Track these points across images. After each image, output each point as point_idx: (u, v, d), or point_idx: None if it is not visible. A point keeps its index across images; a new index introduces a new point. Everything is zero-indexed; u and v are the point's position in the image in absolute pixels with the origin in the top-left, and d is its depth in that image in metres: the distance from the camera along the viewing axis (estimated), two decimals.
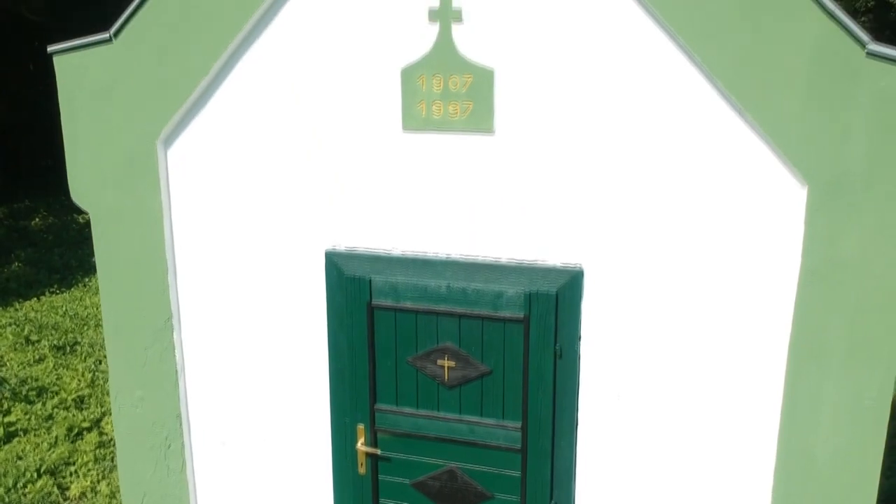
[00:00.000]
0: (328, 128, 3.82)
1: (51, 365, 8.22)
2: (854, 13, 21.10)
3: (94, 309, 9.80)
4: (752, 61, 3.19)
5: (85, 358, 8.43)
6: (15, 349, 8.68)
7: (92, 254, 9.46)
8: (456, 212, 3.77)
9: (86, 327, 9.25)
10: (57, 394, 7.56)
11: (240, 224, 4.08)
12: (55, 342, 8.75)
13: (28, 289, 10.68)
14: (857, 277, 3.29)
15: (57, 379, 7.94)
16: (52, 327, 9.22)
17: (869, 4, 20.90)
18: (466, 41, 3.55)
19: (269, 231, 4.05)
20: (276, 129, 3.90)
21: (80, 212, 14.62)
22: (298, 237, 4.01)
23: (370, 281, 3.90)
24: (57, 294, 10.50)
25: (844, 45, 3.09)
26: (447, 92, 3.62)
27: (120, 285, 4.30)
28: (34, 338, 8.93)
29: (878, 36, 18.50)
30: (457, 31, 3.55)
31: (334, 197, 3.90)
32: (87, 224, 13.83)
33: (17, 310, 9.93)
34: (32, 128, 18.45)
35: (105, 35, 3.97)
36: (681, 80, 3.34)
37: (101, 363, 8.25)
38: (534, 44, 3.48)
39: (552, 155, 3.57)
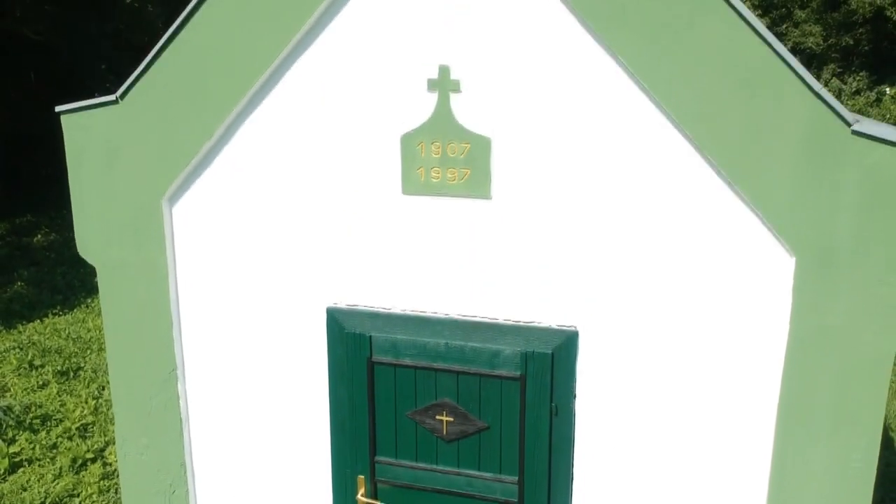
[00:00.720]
0: (331, 189, 3.92)
1: (54, 391, 8.32)
2: (851, 26, 21.27)
3: (97, 332, 9.90)
4: (743, 138, 3.28)
5: (88, 384, 8.53)
6: (19, 374, 8.78)
7: (93, 273, 9.59)
8: (454, 272, 3.86)
9: (89, 351, 9.35)
10: (61, 422, 7.66)
11: (244, 279, 4.18)
12: (59, 367, 8.85)
13: (31, 310, 10.78)
14: (843, 345, 3.39)
15: (61, 405, 8.04)
16: (56, 351, 9.32)
17: (867, 16, 21.03)
18: (464, 110, 3.65)
19: (272, 287, 4.14)
20: (280, 189, 4.00)
21: None
22: (301, 293, 4.10)
23: (370, 337, 3.99)
24: (60, 315, 10.59)
25: (831, 124, 3.19)
26: (446, 158, 3.72)
27: (126, 337, 4.40)
28: (38, 362, 9.03)
29: (877, 46, 18.62)
30: (455, 100, 3.65)
31: (336, 255, 4.00)
32: None
33: (20, 332, 10.03)
34: (32, 139, 18.57)
35: (112, 97, 4.06)
36: (673, 152, 3.44)
37: (104, 389, 8.35)
38: (530, 114, 3.57)
39: (548, 220, 3.67)
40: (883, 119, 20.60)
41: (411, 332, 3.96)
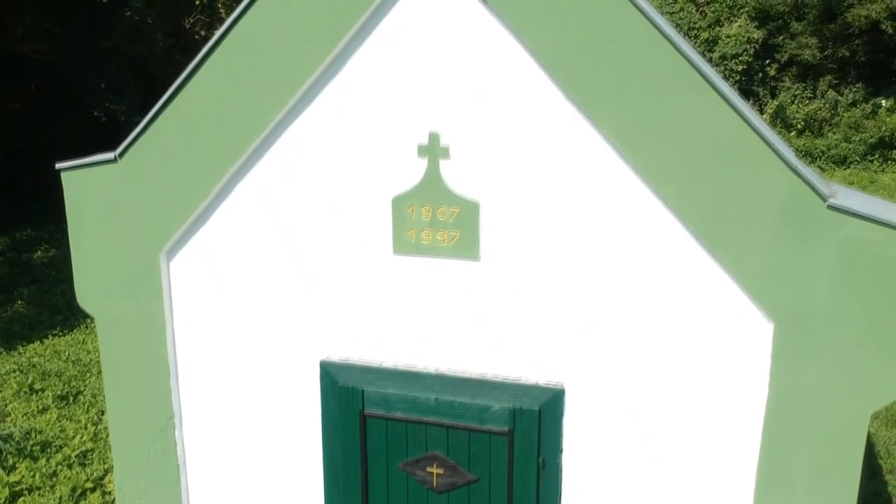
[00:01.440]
0: (325, 247, 4.02)
1: (54, 416, 8.42)
2: (847, 38, 21.37)
3: (96, 354, 9.99)
4: (723, 209, 3.39)
5: (88, 408, 8.63)
6: (19, 397, 8.89)
7: None
8: (444, 329, 3.96)
9: (88, 374, 9.45)
10: (61, 449, 7.76)
11: (240, 332, 4.28)
12: (59, 391, 8.95)
13: (31, 331, 10.88)
14: (820, 407, 3.49)
15: (60, 431, 8.14)
16: (56, 374, 9.42)
17: (863, 26, 21.13)
18: (454, 175, 3.76)
19: (267, 340, 4.25)
20: (275, 245, 4.10)
21: None
22: (295, 347, 4.20)
23: (363, 391, 4.10)
24: (59, 336, 10.70)
25: (808, 198, 3.30)
26: (435, 221, 3.82)
27: (124, 385, 4.50)
28: (38, 386, 9.13)
29: (873, 58, 18.77)
30: (444, 166, 3.76)
31: (330, 310, 4.10)
32: None
33: (20, 353, 10.14)
34: (31, 148, 18.66)
35: (110, 156, 4.16)
36: (656, 220, 3.54)
37: (103, 414, 8.44)
38: (517, 180, 3.68)
39: (535, 281, 3.77)
40: (879, 131, 20.73)
41: (402, 386, 4.06)
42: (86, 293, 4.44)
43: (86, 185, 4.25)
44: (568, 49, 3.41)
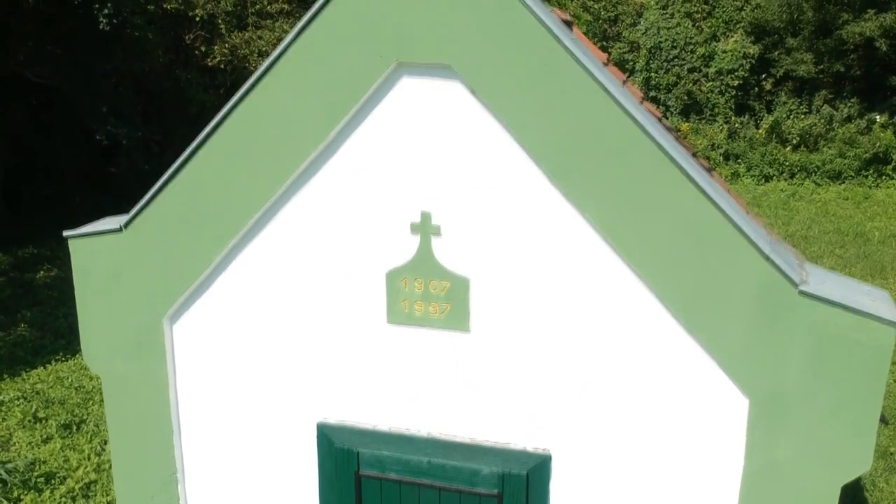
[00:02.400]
0: (322, 315, 4.19)
1: (58, 446, 8.59)
2: (843, 54, 21.54)
3: (98, 381, 10.15)
4: (701, 293, 3.56)
5: (91, 438, 8.80)
6: (23, 427, 9.05)
7: None
8: (436, 395, 4.14)
9: (91, 402, 9.62)
10: (64, 480, 7.93)
11: (240, 393, 4.45)
12: (62, 420, 9.12)
13: (34, 355, 11.04)
14: (792, 479, 3.66)
15: (64, 461, 8.30)
16: (59, 402, 9.59)
17: (858, 42, 21.29)
18: (445, 252, 3.93)
19: (266, 401, 4.42)
20: (274, 313, 4.27)
21: None
22: (293, 409, 4.38)
23: (358, 453, 4.27)
24: (62, 361, 10.86)
25: (780, 285, 3.47)
26: (428, 294, 3.99)
27: (129, 441, 4.67)
28: (42, 415, 9.30)
29: (868, 72, 18.90)
30: (436, 242, 3.93)
31: (327, 375, 4.27)
32: None
33: (24, 380, 10.30)
34: (33, 161, 18.82)
35: (116, 226, 4.34)
36: (638, 300, 3.72)
37: (106, 443, 8.61)
38: (505, 257, 3.85)
39: (522, 353, 3.95)
40: (873, 147, 20.89)
41: (396, 448, 4.23)
42: (92, 354, 4.61)
43: (92, 253, 4.43)
44: (552, 140, 3.59)
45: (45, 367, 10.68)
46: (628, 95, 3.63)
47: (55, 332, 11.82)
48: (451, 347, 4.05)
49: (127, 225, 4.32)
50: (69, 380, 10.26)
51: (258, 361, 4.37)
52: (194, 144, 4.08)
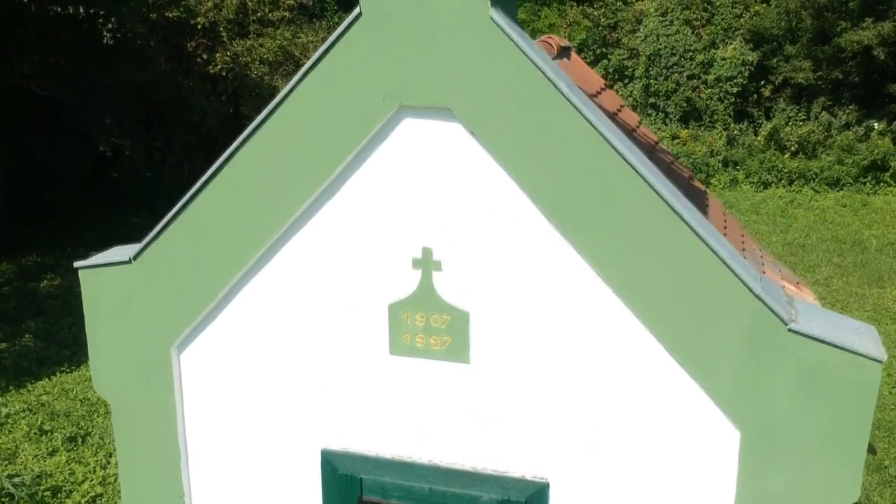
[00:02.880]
0: (326, 346, 4.31)
1: (64, 459, 8.72)
2: (841, 61, 21.65)
3: None
4: (694, 329, 3.68)
5: (96, 451, 8.93)
6: (29, 439, 9.18)
7: None
8: (437, 424, 4.25)
9: (96, 415, 9.75)
10: (70, 494, 8.06)
11: (246, 420, 4.57)
12: (67, 433, 9.25)
13: (39, 367, 11.17)
14: None
15: (70, 475, 8.43)
16: (65, 414, 9.72)
17: (856, 50, 21.40)
18: (445, 286, 4.05)
19: (271, 428, 4.53)
20: (279, 343, 4.39)
21: None
22: (298, 435, 4.49)
23: (361, 479, 4.39)
24: (67, 373, 10.99)
25: (770, 322, 3.58)
26: (429, 326, 4.11)
27: (137, 466, 4.79)
28: (47, 427, 9.43)
29: (866, 79, 19.03)
30: (437, 277, 4.05)
31: (331, 403, 4.39)
32: None
33: (30, 391, 10.43)
34: (35, 166, 18.94)
35: (125, 258, 4.45)
36: (632, 334, 3.83)
37: (111, 456, 8.74)
38: (504, 292, 3.97)
39: (521, 384, 4.06)
40: (871, 154, 21.00)
41: (398, 475, 4.35)
42: (101, 381, 4.72)
43: (102, 283, 4.54)
44: (548, 180, 3.70)
45: (49, 379, 10.81)
46: (624, 139, 3.74)
47: (60, 343, 11.95)
48: (451, 378, 4.16)
49: (136, 257, 4.43)
50: (74, 391, 10.39)
51: (264, 389, 4.49)
52: (202, 180, 4.20)
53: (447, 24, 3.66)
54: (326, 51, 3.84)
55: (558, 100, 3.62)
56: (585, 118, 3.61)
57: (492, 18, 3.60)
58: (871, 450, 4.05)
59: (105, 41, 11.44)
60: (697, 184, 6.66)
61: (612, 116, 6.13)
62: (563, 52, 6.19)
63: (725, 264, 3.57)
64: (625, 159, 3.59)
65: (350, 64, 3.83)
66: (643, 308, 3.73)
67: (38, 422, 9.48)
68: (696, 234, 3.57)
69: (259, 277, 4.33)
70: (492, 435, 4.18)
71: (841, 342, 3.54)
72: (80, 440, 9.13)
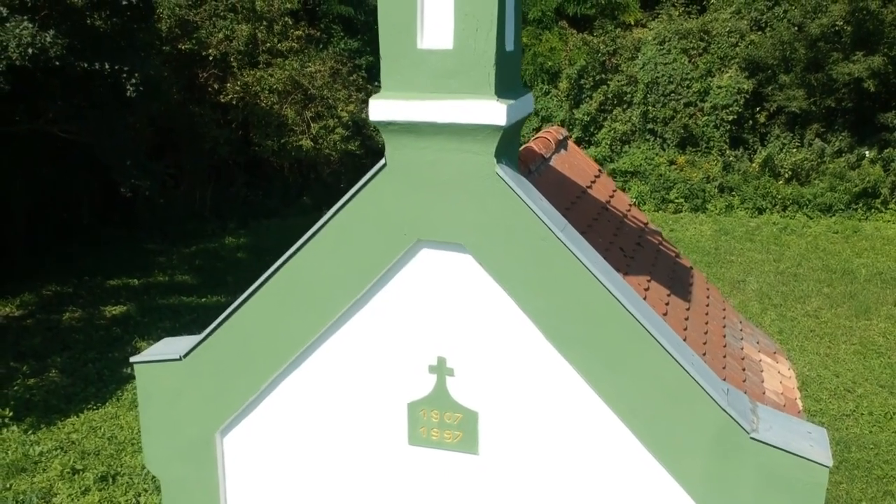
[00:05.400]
0: (352, 435, 4.95)
1: (97, 499, 9.36)
2: (833, 90, 22.25)
3: (130, 431, 10.92)
4: (670, 433, 4.31)
5: (126, 490, 9.57)
6: (62, 478, 9.82)
7: (120, 363, 10.89)
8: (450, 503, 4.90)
9: (124, 454, 10.38)
10: None
11: (282, 498, 5.21)
12: (99, 472, 9.88)
13: (67, 403, 11.80)
14: None
15: None
16: (94, 453, 10.35)
17: (847, 81, 21.93)
18: (457, 389, 4.68)
19: None
20: (311, 432, 5.02)
21: (105, 303, 15.75)
22: None
23: None
24: (94, 410, 11.62)
25: (734, 431, 4.22)
26: (443, 422, 4.75)
27: None
28: (79, 466, 10.06)
29: (858, 106, 19.48)
30: (450, 381, 4.69)
31: (355, 485, 5.03)
32: (112, 319, 14.96)
33: (59, 429, 11.06)
34: (51, 196, 19.56)
35: (176, 356, 5.10)
36: (619, 436, 4.47)
37: (141, 496, 9.37)
38: (508, 395, 4.61)
39: (523, 474, 4.70)
40: (862, 181, 21.63)
41: None
42: (153, 459, 5.37)
43: (154, 377, 5.18)
44: (546, 307, 4.34)
45: (77, 416, 11.44)
46: (610, 271, 4.37)
47: (85, 379, 12.58)
48: (462, 467, 4.80)
49: (185, 355, 5.07)
50: (101, 429, 11.02)
51: (296, 472, 5.13)
52: (248, 292, 4.84)
53: (460, 176, 4.30)
54: (357, 192, 4.48)
55: (553, 240, 4.26)
56: (576, 256, 4.24)
57: (497, 173, 4.24)
58: None
59: (128, 94, 12.09)
60: (684, 260, 7.29)
61: (605, 204, 6.77)
62: (560, 145, 6.82)
63: (697, 382, 4.21)
64: (610, 292, 4.22)
65: (377, 203, 4.47)
66: (628, 415, 4.37)
67: (70, 461, 10.12)
68: (672, 357, 4.20)
69: (295, 375, 4.97)
70: None
71: (794, 449, 4.17)
72: (111, 479, 9.76)
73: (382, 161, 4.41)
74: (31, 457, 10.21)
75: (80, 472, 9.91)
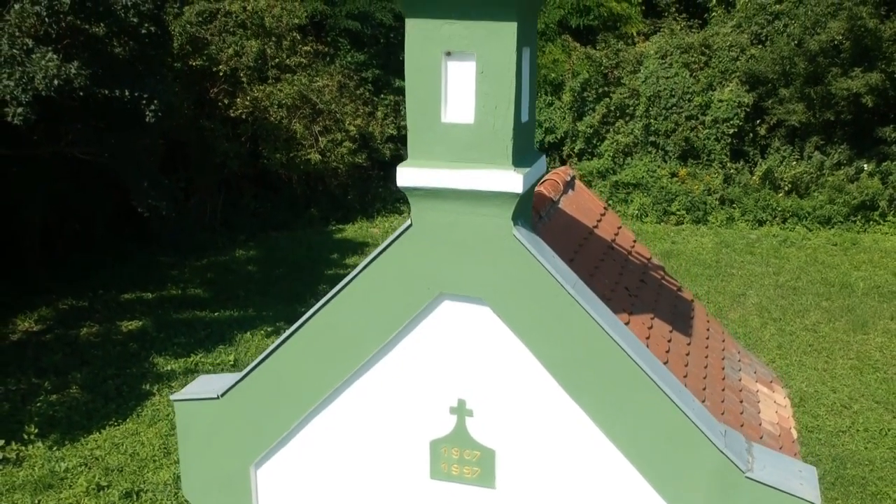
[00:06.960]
0: (378, 471, 5.35)
1: None
2: (832, 104, 22.62)
3: (151, 448, 11.33)
4: (673, 472, 4.71)
5: None
6: (88, 494, 10.22)
7: (140, 378, 11.24)
8: None
9: (146, 470, 10.79)
10: None
11: None
12: (123, 489, 10.28)
13: (89, 420, 12.21)
14: None
15: None
16: (118, 470, 10.76)
17: (845, 96, 22.23)
18: (476, 428, 5.09)
19: None
20: (340, 467, 5.42)
21: (121, 317, 16.16)
22: None
23: None
24: (115, 426, 12.03)
25: (730, 470, 4.62)
26: (462, 459, 5.15)
27: None
28: (104, 483, 10.47)
29: (857, 119, 19.81)
30: (469, 421, 5.09)
31: None
32: (129, 335, 15.37)
33: (83, 445, 11.47)
34: (64, 213, 19.97)
35: (214, 395, 5.50)
36: (626, 473, 4.87)
37: None
38: (524, 434, 5.01)
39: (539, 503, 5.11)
40: (861, 194, 22.01)
41: None
42: (190, 490, 5.77)
43: (193, 413, 5.59)
44: (559, 357, 4.74)
45: (100, 432, 11.85)
46: (617, 324, 4.78)
47: (105, 396, 12.99)
48: (480, 501, 5.20)
49: (223, 394, 5.48)
50: (123, 446, 11.43)
51: (326, 503, 5.53)
52: (282, 338, 5.24)
53: (480, 236, 4.71)
54: (384, 249, 4.88)
55: (565, 296, 4.66)
56: (585, 310, 4.64)
57: (514, 235, 4.64)
58: None
59: (147, 119, 12.49)
60: (686, 293, 7.68)
61: (611, 243, 7.17)
62: (568, 186, 7.23)
63: (697, 427, 4.61)
64: (617, 344, 4.62)
65: (402, 260, 4.88)
66: (633, 454, 4.77)
67: (95, 477, 10.52)
68: (674, 403, 4.60)
69: (325, 413, 5.38)
70: None
71: (786, 487, 4.58)
72: (135, 496, 10.17)
73: (408, 222, 4.81)
74: (57, 473, 10.62)
75: (106, 489, 10.32)
